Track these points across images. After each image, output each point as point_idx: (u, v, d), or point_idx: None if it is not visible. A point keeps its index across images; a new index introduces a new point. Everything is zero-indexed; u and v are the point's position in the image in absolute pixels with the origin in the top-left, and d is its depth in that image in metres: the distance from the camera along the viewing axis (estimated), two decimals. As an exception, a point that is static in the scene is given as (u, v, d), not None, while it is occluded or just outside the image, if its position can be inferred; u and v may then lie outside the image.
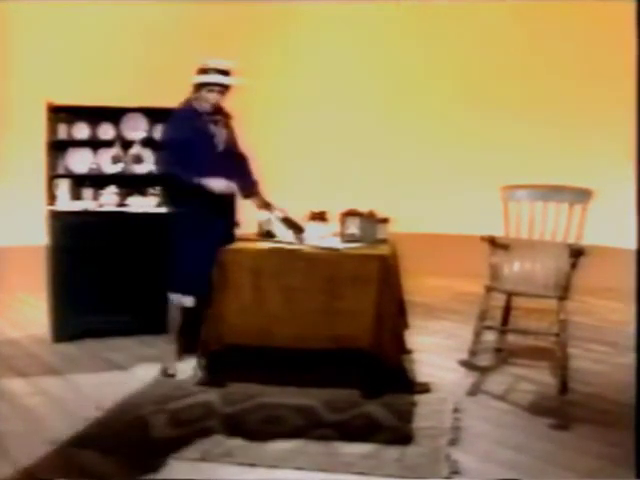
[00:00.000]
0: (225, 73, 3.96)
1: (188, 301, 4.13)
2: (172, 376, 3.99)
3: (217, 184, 3.95)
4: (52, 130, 5.31)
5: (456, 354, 4.40)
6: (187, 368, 4.03)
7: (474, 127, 7.13)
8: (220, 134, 4.07)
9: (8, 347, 4.68)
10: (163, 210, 4.58)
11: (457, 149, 7.26)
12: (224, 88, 4.01)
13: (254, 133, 6.75)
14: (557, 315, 3.78)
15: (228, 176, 4.02)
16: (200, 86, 3.97)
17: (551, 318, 4.10)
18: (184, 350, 4.17)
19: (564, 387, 3.74)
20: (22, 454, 3.00)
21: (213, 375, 3.87)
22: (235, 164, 4.20)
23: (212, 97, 3.99)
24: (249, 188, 4.25)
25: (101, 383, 3.91)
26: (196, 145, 3.96)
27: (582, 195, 4.02)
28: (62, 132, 5.42)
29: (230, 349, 3.82)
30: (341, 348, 3.72)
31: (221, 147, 4.06)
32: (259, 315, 3.76)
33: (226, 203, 4.16)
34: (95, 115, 5.46)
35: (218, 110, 4.10)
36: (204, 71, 3.95)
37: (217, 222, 4.08)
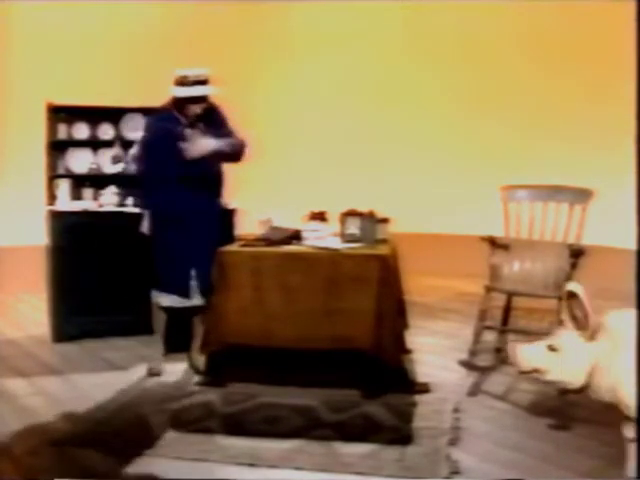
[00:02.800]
0: (203, 82, 3.95)
1: (165, 300, 4.12)
2: (157, 375, 4.03)
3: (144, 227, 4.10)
4: (52, 130, 5.31)
5: (456, 354, 4.39)
6: (174, 368, 4.09)
7: (474, 127, 7.13)
8: (196, 138, 4.03)
9: (8, 347, 4.68)
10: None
11: (457, 149, 7.26)
12: (206, 97, 4.01)
13: (255, 133, 6.79)
14: (557, 315, 3.77)
15: (199, 183, 4.04)
16: (183, 99, 3.96)
17: (551, 318, 4.10)
18: (171, 349, 4.19)
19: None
20: (22, 454, 3.00)
21: (213, 375, 3.87)
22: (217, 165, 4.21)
23: (197, 108, 3.99)
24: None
25: (101, 383, 3.91)
26: (165, 154, 3.96)
27: (582, 195, 4.02)
28: (62, 132, 5.42)
29: (230, 349, 3.82)
30: (341, 348, 3.72)
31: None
32: (259, 315, 3.76)
33: (205, 202, 4.15)
34: (95, 115, 5.46)
35: (201, 115, 4.05)
36: (183, 83, 3.93)
37: (192, 220, 4.04)
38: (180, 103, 3.99)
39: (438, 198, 7.28)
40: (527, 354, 2.79)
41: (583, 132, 6.60)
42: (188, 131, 4.01)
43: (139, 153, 4.28)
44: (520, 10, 6.76)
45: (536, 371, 2.77)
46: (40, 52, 6.24)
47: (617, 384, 2.63)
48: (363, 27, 7.32)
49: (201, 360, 4.03)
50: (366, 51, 7.35)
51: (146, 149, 4.10)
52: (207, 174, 4.13)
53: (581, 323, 2.69)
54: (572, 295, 2.71)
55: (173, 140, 3.95)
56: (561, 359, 2.71)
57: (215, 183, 4.27)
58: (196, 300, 4.06)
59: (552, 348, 2.74)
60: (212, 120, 4.11)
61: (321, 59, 7.31)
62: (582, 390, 2.74)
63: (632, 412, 2.64)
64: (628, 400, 2.62)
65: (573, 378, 2.70)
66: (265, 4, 6.90)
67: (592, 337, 2.68)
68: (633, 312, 2.82)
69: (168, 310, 4.17)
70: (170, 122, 4.00)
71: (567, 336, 2.74)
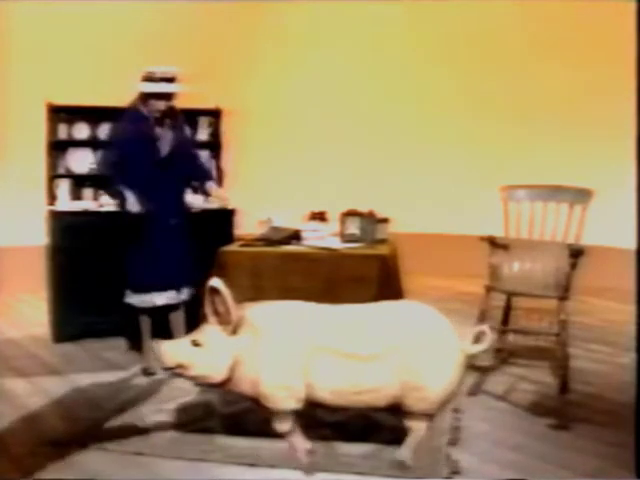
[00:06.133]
0: (171, 80, 3.98)
1: (160, 299, 4.13)
2: (152, 374, 4.04)
3: (131, 204, 3.95)
4: (52, 130, 5.32)
5: (456, 354, 4.38)
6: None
7: (474, 127, 7.14)
8: (166, 136, 4.06)
9: (8, 347, 4.68)
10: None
11: (457, 149, 7.27)
12: (171, 95, 4.03)
13: (255, 133, 6.80)
14: (557, 315, 3.78)
15: (168, 181, 4.05)
16: (148, 94, 3.98)
17: (551, 318, 4.10)
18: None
19: (564, 387, 3.74)
20: (22, 454, 3.00)
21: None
22: (184, 164, 4.20)
23: (160, 105, 4.01)
24: (203, 185, 4.31)
25: (101, 383, 3.91)
26: (137, 151, 3.98)
27: (582, 195, 4.02)
28: (62, 132, 5.43)
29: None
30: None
31: (166, 150, 4.05)
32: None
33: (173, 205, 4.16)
34: (95, 115, 5.47)
35: (166, 113, 4.08)
36: (150, 79, 3.95)
37: (166, 217, 4.06)
38: (145, 99, 4.01)
39: (438, 198, 7.28)
40: (171, 350, 2.81)
41: (583, 132, 6.60)
42: (159, 130, 4.04)
43: (113, 154, 4.15)
44: (521, 9, 6.77)
45: (180, 366, 2.79)
46: (40, 52, 6.24)
47: (258, 377, 2.70)
48: (366, 27, 7.32)
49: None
50: (366, 51, 7.35)
51: (123, 149, 4.03)
52: (177, 172, 4.14)
53: (223, 318, 2.74)
54: (214, 290, 2.74)
55: (146, 139, 4.00)
56: (204, 354, 2.76)
57: (183, 181, 4.28)
58: (184, 295, 4.16)
59: (196, 343, 2.78)
60: (175, 121, 4.13)
61: (320, 58, 7.30)
62: (224, 384, 2.80)
63: (272, 404, 2.74)
64: (268, 392, 2.71)
65: (215, 372, 2.76)
66: (266, 4, 6.90)
67: (235, 331, 2.74)
68: (273, 306, 2.91)
69: (162, 309, 4.16)
70: (140, 121, 4.02)
71: (210, 331, 2.78)
